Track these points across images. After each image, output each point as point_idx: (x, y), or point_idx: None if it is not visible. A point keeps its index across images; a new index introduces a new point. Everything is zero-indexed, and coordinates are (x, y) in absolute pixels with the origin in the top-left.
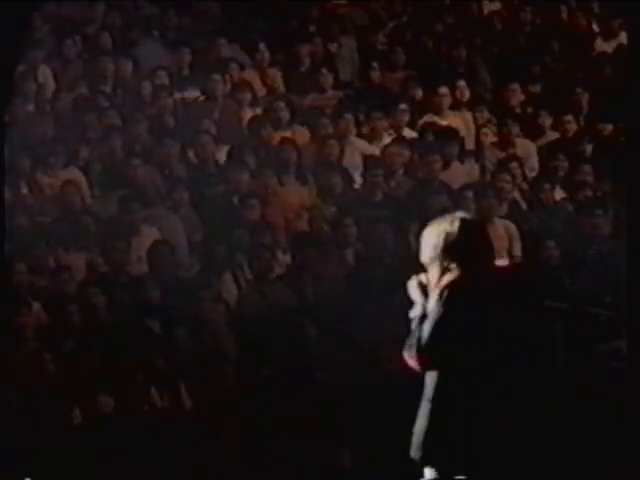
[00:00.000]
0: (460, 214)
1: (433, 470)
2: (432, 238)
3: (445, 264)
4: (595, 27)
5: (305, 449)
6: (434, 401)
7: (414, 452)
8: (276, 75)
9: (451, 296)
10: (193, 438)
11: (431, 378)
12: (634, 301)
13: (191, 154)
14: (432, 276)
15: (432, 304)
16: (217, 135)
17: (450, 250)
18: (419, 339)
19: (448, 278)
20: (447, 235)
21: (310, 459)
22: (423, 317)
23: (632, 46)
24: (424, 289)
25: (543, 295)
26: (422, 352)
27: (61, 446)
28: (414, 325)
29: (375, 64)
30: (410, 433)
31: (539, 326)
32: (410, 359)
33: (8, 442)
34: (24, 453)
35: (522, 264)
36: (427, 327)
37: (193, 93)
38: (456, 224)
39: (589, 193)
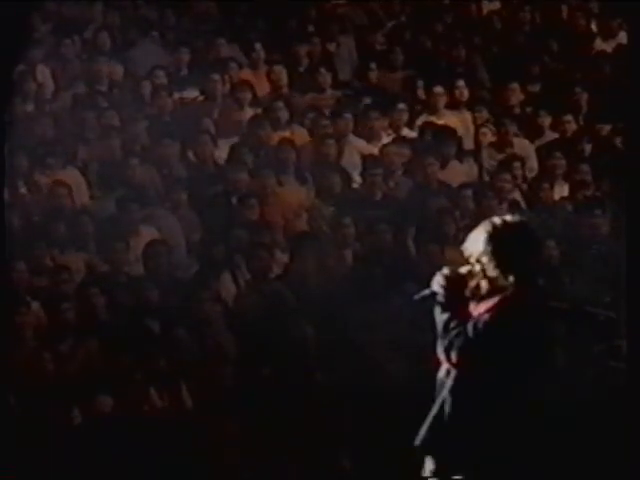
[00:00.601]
0: (520, 218)
1: (432, 463)
2: (485, 234)
3: (499, 270)
4: (594, 27)
5: (305, 449)
6: (450, 393)
7: (418, 439)
8: (275, 75)
9: (506, 314)
10: (193, 438)
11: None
12: (634, 301)
13: (190, 154)
14: (487, 273)
15: (477, 312)
16: (216, 135)
17: (505, 256)
18: (464, 344)
19: (503, 293)
20: (506, 237)
21: (310, 459)
22: (453, 319)
23: (632, 46)
24: (456, 287)
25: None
26: (465, 357)
27: (60, 446)
28: (451, 326)
29: (374, 64)
30: (408, 433)
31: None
32: (446, 359)
33: (7, 442)
34: (23, 453)
35: None
36: (476, 337)
37: (192, 93)
38: (517, 229)
39: (588, 193)
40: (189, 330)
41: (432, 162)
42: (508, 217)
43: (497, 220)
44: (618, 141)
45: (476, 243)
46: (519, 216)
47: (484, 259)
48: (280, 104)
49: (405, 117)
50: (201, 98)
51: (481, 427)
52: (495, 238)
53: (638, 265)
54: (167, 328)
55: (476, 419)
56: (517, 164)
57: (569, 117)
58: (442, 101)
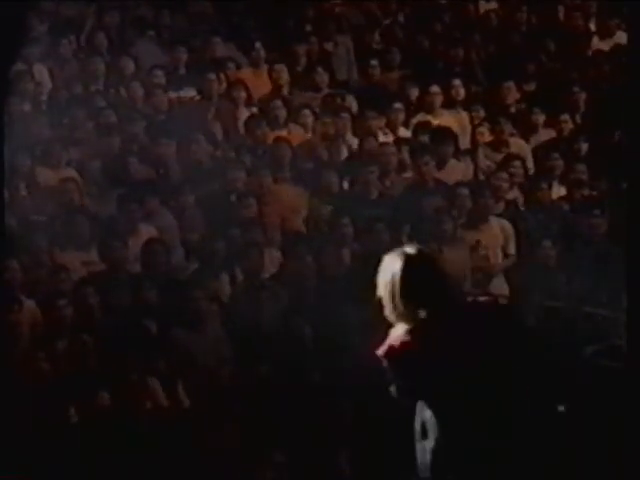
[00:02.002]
0: (411, 250)
1: None
2: (384, 275)
3: (400, 309)
4: (591, 26)
5: (302, 449)
6: (440, 431)
7: (423, 473)
8: (275, 74)
9: (395, 363)
10: (189, 437)
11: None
12: (633, 301)
13: (187, 153)
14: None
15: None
16: (213, 134)
17: (402, 294)
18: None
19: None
20: (396, 277)
21: (308, 459)
22: None
23: (630, 45)
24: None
25: (523, 326)
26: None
27: (56, 446)
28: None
29: (371, 63)
30: (406, 433)
31: (524, 357)
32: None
33: (3, 440)
34: (18, 452)
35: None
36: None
37: (189, 92)
38: (402, 265)
39: (586, 192)
40: (186, 329)
41: (428, 161)
42: (412, 250)
43: (394, 255)
44: (615, 140)
45: (383, 274)
46: (426, 250)
47: (385, 292)
48: (277, 103)
49: (402, 116)
50: (198, 97)
51: (476, 445)
52: (393, 275)
53: (638, 265)
54: (164, 327)
55: (469, 442)
56: (514, 163)
57: (566, 116)
58: (438, 100)
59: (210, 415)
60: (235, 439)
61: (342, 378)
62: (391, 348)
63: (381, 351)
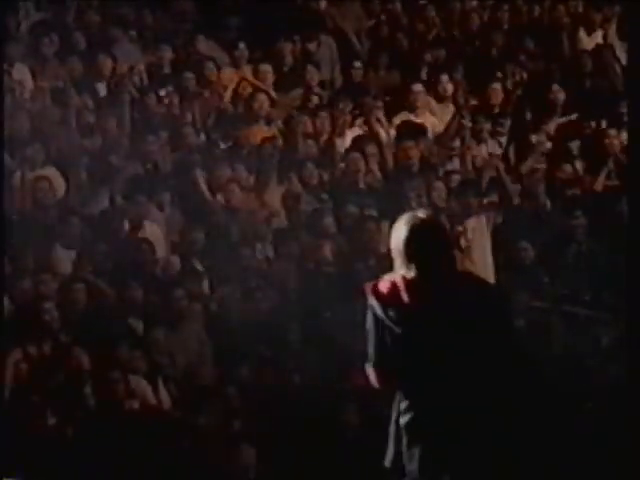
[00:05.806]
0: (419, 214)
1: None
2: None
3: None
4: (577, 24)
5: (291, 447)
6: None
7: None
8: (260, 74)
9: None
10: (174, 436)
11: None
12: (633, 301)
13: (172, 151)
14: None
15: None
16: (198, 132)
17: (405, 253)
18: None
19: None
20: (405, 236)
21: (298, 458)
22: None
23: (631, 44)
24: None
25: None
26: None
27: (39, 445)
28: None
29: (354, 63)
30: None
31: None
32: (370, 375)
33: None
34: (6, 451)
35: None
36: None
37: (172, 91)
38: (410, 226)
39: (569, 192)
40: (169, 329)
41: (412, 159)
42: (415, 213)
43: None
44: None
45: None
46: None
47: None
48: (262, 102)
49: (385, 115)
50: (181, 96)
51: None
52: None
53: (637, 265)
54: (148, 327)
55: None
56: (497, 161)
57: (551, 116)
58: (422, 99)
59: (191, 415)
60: (218, 437)
61: (327, 376)
62: (375, 286)
63: (369, 286)
